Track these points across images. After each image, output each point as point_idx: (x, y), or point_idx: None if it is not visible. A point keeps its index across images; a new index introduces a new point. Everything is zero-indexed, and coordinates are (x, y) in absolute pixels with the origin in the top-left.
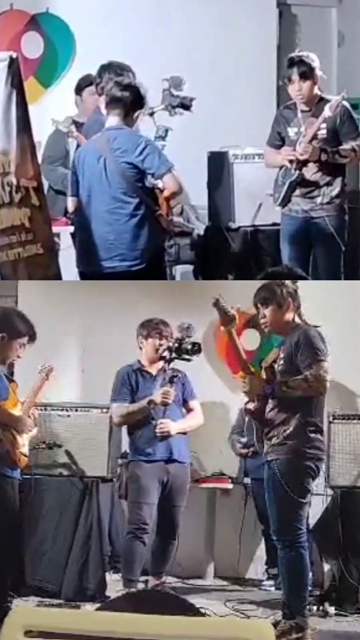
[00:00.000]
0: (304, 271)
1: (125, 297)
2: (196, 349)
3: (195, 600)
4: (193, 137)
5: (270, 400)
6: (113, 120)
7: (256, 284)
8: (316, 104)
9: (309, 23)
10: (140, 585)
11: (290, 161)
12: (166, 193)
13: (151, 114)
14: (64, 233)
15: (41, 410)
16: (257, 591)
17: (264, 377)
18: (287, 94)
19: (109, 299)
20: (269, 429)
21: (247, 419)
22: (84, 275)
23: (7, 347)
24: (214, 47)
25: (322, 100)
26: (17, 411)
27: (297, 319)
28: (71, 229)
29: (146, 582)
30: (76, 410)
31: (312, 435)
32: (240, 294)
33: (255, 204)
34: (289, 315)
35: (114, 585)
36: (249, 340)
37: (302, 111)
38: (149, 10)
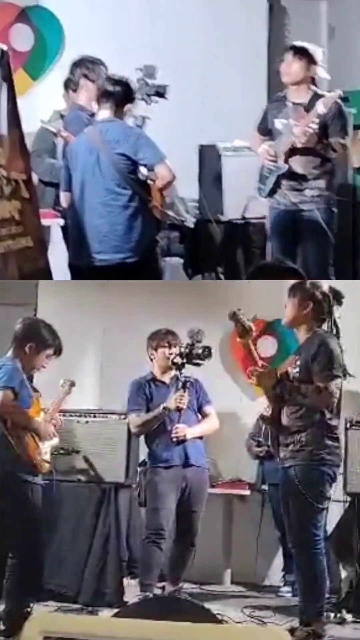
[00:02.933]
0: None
1: (142, 300)
2: (207, 353)
3: (212, 606)
4: (182, 129)
5: (286, 407)
6: (104, 113)
7: (277, 284)
8: (310, 98)
9: (299, 16)
10: (158, 591)
11: (275, 156)
12: (160, 182)
13: None
14: (54, 226)
15: (60, 416)
16: (274, 597)
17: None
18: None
19: (127, 301)
20: (285, 435)
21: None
22: (75, 269)
23: (34, 357)
24: (204, 40)
25: (315, 96)
26: (40, 419)
27: (316, 327)
28: (61, 221)
29: (163, 587)
30: (94, 417)
31: (329, 441)
32: (258, 295)
33: (244, 197)
34: (305, 317)
35: (132, 591)
36: (265, 348)
37: (294, 103)
38: (138, 3)
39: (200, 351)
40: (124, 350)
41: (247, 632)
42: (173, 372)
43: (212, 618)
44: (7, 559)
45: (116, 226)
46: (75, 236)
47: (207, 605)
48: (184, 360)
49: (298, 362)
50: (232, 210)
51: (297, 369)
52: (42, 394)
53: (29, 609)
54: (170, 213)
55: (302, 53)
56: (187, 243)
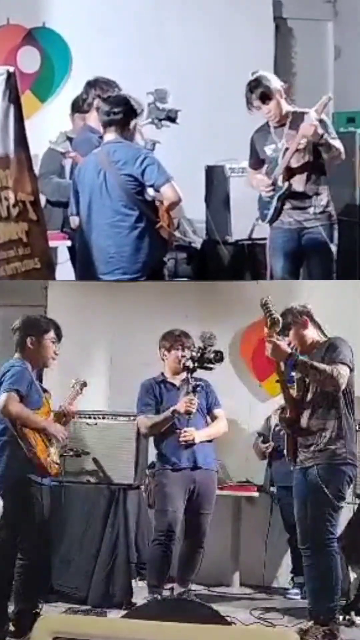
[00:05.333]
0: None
1: (151, 301)
2: (218, 357)
3: (221, 608)
4: (188, 150)
5: (306, 410)
6: (110, 135)
7: (284, 284)
8: (292, 118)
9: (306, 36)
10: (166, 593)
11: (273, 182)
12: (166, 203)
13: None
14: (62, 247)
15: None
16: (283, 599)
17: (296, 388)
18: None
19: (137, 302)
20: (305, 437)
21: (273, 425)
22: None
23: (38, 348)
24: (210, 60)
25: (295, 114)
26: (48, 419)
27: (321, 337)
28: (68, 243)
29: (172, 589)
30: (103, 418)
31: (350, 442)
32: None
33: (252, 217)
34: (311, 333)
35: (140, 592)
36: None
37: (275, 127)
38: (145, 24)
39: (212, 355)
40: (133, 352)
41: (256, 634)
42: (184, 374)
43: (221, 620)
44: (17, 561)
45: (123, 247)
46: (82, 257)
47: (215, 607)
48: (196, 365)
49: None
50: (239, 231)
51: None
52: (52, 395)
53: (38, 610)
54: (177, 234)
55: (266, 97)
56: (194, 264)
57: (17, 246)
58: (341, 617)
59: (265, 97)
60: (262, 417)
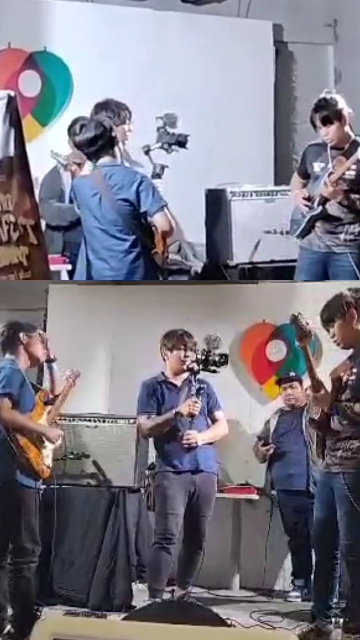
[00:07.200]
0: None
1: (152, 302)
2: (223, 360)
3: (221, 610)
4: (190, 174)
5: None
6: (104, 160)
7: (286, 287)
8: (350, 143)
9: (306, 60)
10: (167, 595)
11: (309, 198)
12: (159, 231)
13: (147, 152)
14: (63, 271)
15: (69, 421)
16: (283, 602)
17: (331, 386)
18: (299, 135)
19: (138, 304)
20: (333, 440)
21: (272, 428)
22: None
23: (31, 342)
24: (211, 84)
25: (354, 142)
26: (43, 420)
27: None
28: (69, 267)
29: (172, 591)
30: (104, 421)
31: None
32: (268, 299)
33: (253, 241)
34: (358, 325)
35: (141, 595)
36: (275, 352)
37: (332, 148)
38: (146, 48)
39: (217, 358)
40: (134, 354)
41: (256, 636)
42: (185, 374)
43: (221, 622)
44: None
45: (119, 271)
46: (81, 277)
47: (215, 609)
48: (200, 367)
49: (354, 370)
50: (240, 255)
51: (354, 377)
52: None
53: (38, 612)
54: (177, 258)
55: (328, 120)
56: None
57: (18, 270)
58: (342, 620)
59: (328, 120)
60: (262, 419)
